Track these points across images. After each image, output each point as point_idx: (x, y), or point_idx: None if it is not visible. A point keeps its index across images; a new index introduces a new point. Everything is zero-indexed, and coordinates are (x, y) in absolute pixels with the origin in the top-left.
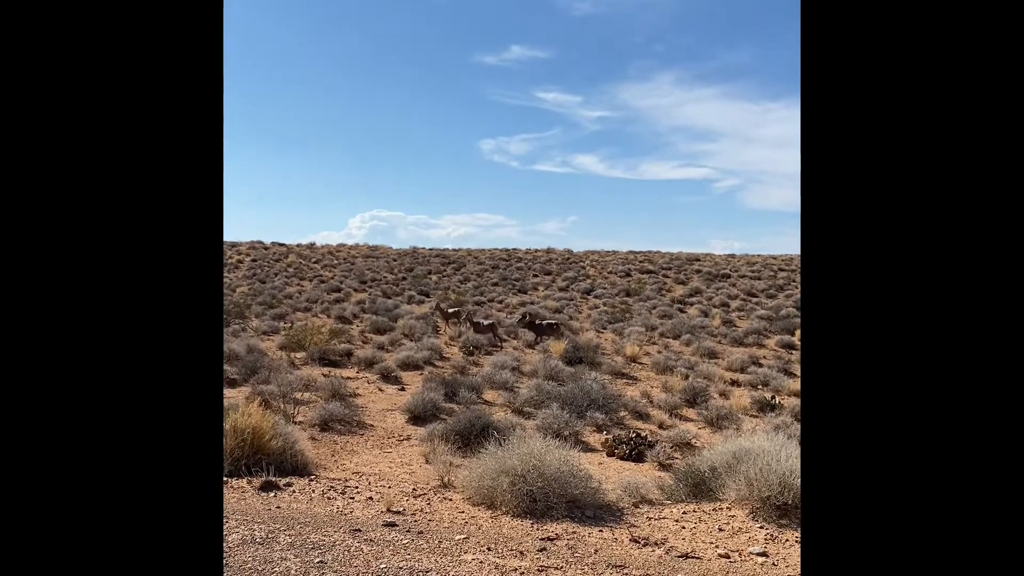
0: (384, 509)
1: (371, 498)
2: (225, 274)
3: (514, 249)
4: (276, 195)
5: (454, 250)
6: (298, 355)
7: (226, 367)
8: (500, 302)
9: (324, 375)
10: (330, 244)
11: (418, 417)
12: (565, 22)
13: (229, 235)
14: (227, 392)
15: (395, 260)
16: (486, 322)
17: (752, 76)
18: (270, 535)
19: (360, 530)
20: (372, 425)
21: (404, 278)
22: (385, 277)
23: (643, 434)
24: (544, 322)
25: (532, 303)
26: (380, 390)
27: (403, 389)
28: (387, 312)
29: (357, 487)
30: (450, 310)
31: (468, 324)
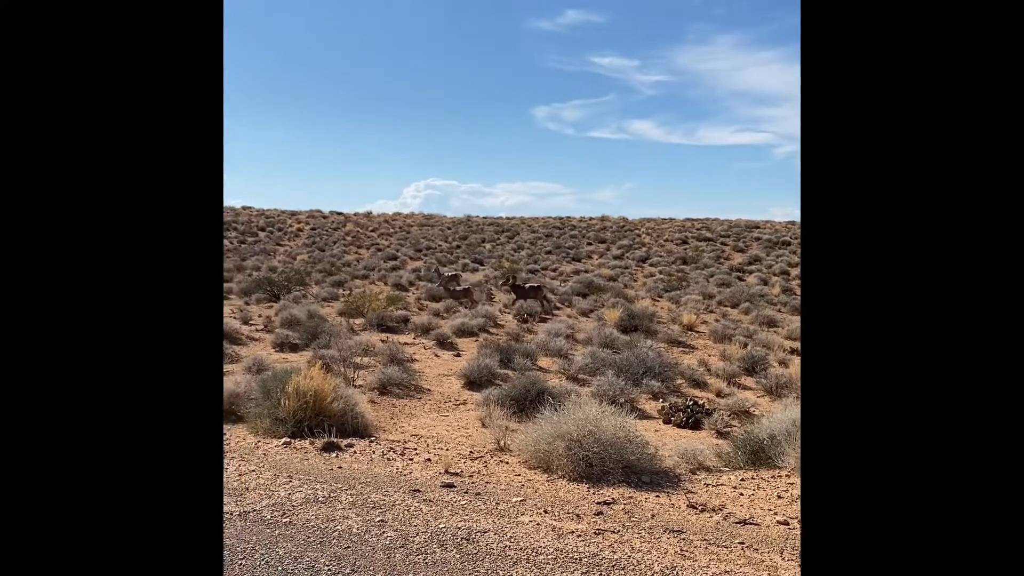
0: (442, 471)
1: (429, 460)
2: (286, 242)
3: (568, 217)
4: (333, 165)
5: (508, 218)
6: (357, 321)
7: (287, 332)
8: (554, 270)
9: (382, 341)
10: (386, 213)
11: (474, 382)
12: None
13: (289, 204)
14: (289, 356)
15: (449, 229)
16: (460, 287)
17: None
18: (332, 494)
19: (419, 490)
20: (429, 390)
21: (458, 246)
22: (440, 246)
23: (700, 402)
24: (527, 284)
25: (587, 271)
26: (436, 356)
27: (459, 355)
28: (438, 277)
29: (416, 449)
30: (454, 285)
31: (510, 290)
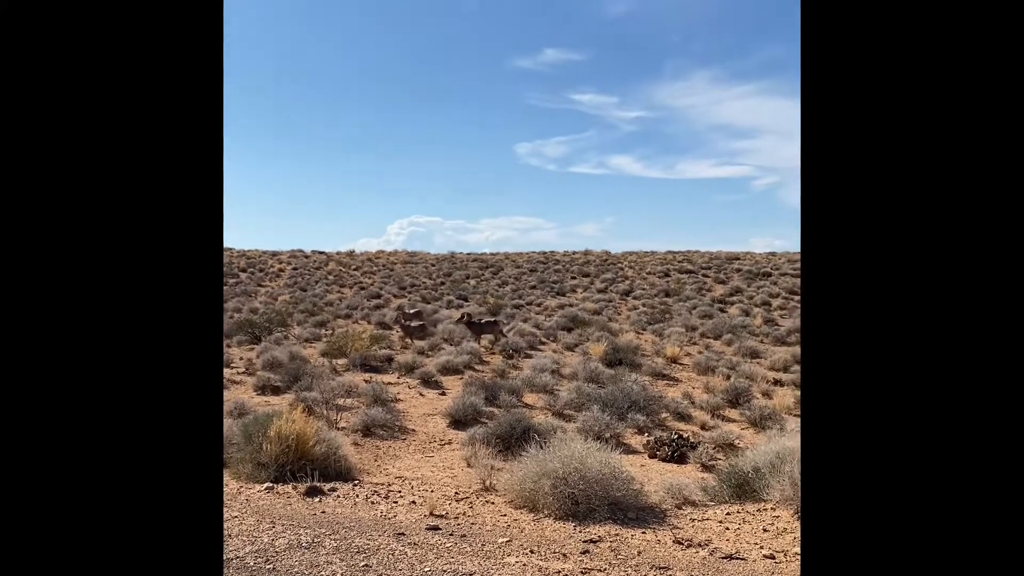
0: (427, 513)
1: (414, 502)
2: (267, 283)
3: (551, 252)
4: (316, 204)
5: (492, 254)
6: (340, 361)
7: (269, 374)
8: (539, 305)
9: (366, 381)
10: (369, 251)
11: (459, 421)
12: (599, 23)
13: (271, 244)
14: (271, 399)
15: (433, 265)
16: (416, 323)
17: (790, 70)
18: (316, 539)
19: (404, 534)
20: (414, 430)
21: (443, 283)
22: (424, 283)
23: (685, 435)
24: (483, 320)
25: (571, 305)
26: (421, 395)
27: (444, 394)
28: (426, 317)
29: (400, 491)
30: (409, 321)
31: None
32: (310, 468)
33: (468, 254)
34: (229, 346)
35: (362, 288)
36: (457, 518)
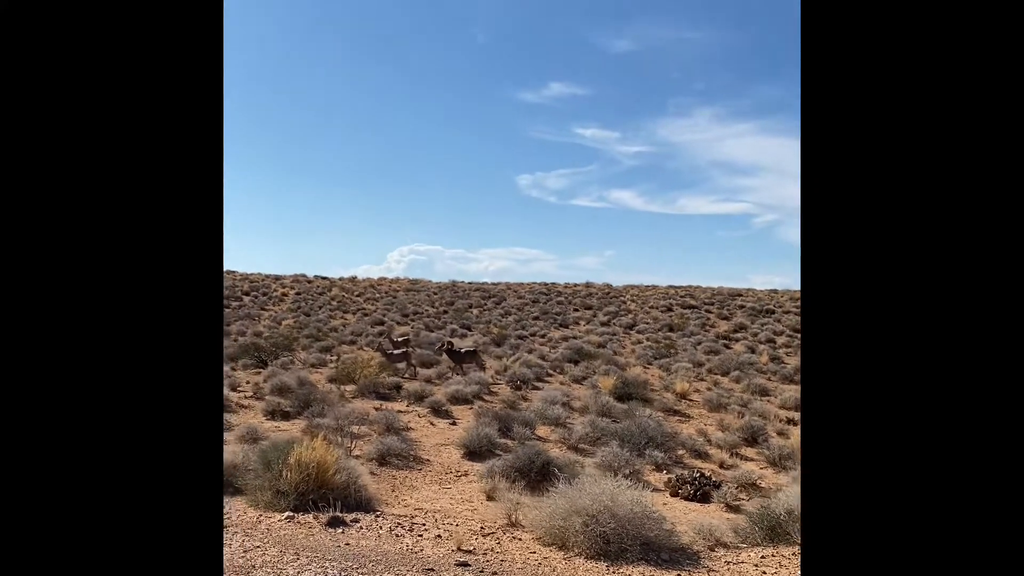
0: (455, 548)
1: (439, 536)
2: (271, 307)
3: (553, 283)
4: (316, 229)
5: (493, 284)
6: (348, 388)
7: (279, 399)
8: (543, 336)
9: (376, 408)
10: (371, 277)
11: (473, 452)
12: (604, 60)
13: (273, 269)
14: (282, 425)
15: (435, 294)
16: (398, 351)
17: (789, 110)
18: (343, 573)
19: (433, 570)
20: (428, 460)
21: (446, 311)
22: (427, 311)
23: (706, 473)
24: (464, 350)
25: (575, 337)
26: (432, 424)
27: (454, 423)
28: (430, 346)
29: (424, 524)
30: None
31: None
32: (332, 497)
33: (470, 283)
34: (235, 369)
35: (365, 314)
36: (486, 554)
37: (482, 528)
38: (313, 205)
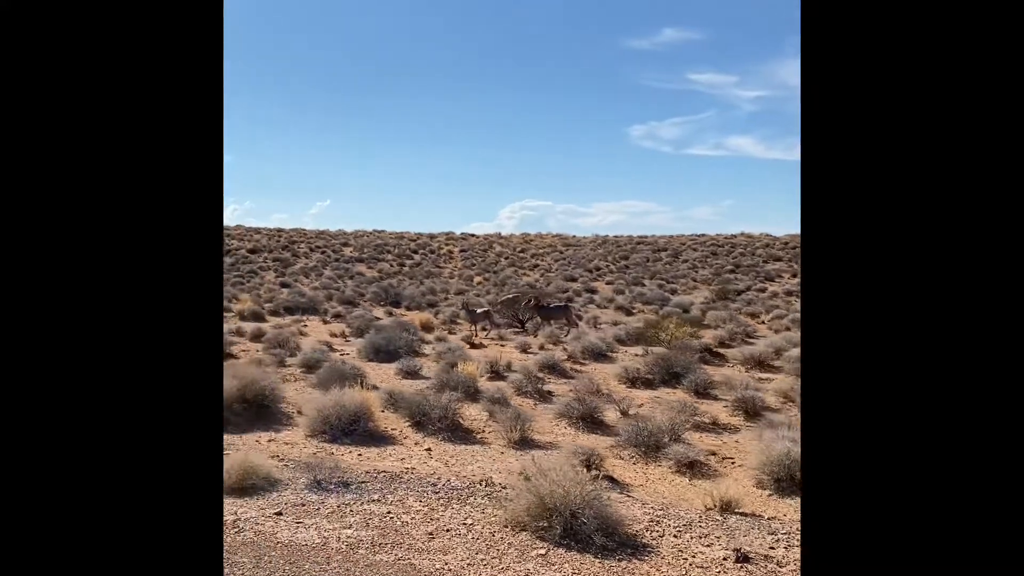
0: None
1: None
2: (442, 264)
3: (717, 234)
4: (430, 187)
5: (663, 237)
6: (655, 350)
7: (637, 366)
8: (761, 291)
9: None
10: (514, 234)
11: None
12: (719, 1)
13: (385, 225)
14: (636, 392)
15: (593, 250)
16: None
17: None
18: None
19: None
20: None
21: (626, 267)
22: (610, 267)
23: None
24: (553, 304)
25: (788, 293)
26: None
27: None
28: (661, 301)
29: None
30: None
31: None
32: None
33: (629, 236)
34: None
35: (547, 271)
36: None
37: None
38: (423, 165)
